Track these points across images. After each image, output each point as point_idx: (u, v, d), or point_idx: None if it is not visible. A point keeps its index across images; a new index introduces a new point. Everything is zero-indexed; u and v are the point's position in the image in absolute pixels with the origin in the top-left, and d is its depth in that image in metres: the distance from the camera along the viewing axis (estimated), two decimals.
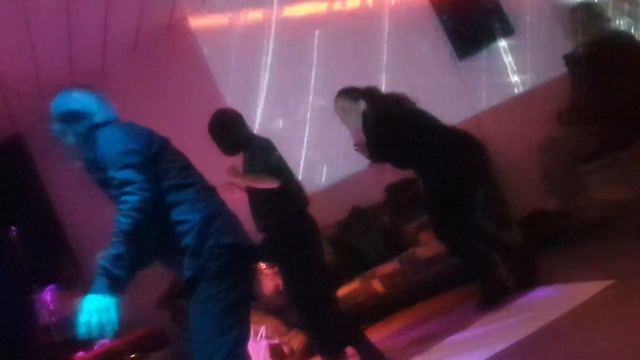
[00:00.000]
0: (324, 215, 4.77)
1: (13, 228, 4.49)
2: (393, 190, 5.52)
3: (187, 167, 2.39)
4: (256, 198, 3.78)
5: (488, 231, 3.79)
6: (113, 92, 2.78)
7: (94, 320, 2.03)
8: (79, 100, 2.49)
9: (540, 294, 3.45)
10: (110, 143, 2.29)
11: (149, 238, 2.20)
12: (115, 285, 2.08)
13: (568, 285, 3.37)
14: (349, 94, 3.97)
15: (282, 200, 3.72)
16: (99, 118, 2.42)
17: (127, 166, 2.19)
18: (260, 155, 3.73)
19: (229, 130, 3.77)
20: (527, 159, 4.90)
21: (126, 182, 2.15)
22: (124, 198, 2.13)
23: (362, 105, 3.90)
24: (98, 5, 4.80)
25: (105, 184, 2.27)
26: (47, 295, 4.69)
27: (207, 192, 2.38)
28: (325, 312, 3.74)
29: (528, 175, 4.90)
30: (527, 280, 3.60)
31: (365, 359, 3.54)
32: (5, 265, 4.59)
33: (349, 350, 3.83)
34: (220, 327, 2.15)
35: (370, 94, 3.96)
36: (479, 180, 3.86)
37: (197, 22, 5.88)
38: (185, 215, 2.24)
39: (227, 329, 2.16)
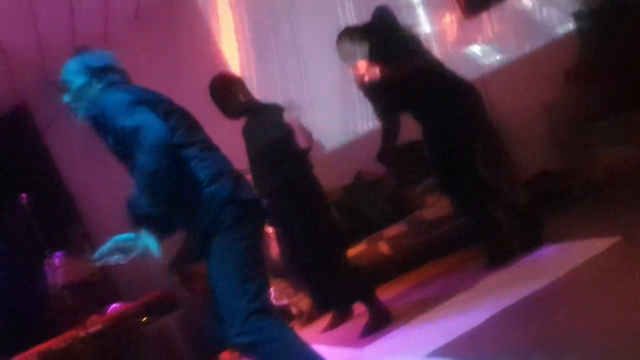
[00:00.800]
0: (330, 180, 4.79)
1: (23, 195, 4.53)
2: (398, 152, 5.52)
3: (192, 126, 2.41)
4: (259, 163, 3.80)
5: (493, 186, 3.76)
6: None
7: (111, 245, 2.25)
8: (97, 57, 2.53)
9: (547, 252, 3.47)
10: (116, 96, 2.31)
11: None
12: (141, 224, 2.22)
13: (574, 242, 3.39)
14: (350, 35, 3.87)
15: (287, 164, 3.73)
16: (115, 77, 2.45)
17: (136, 112, 2.21)
18: (265, 122, 3.74)
19: (229, 93, 3.77)
20: (534, 120, 4.89)
21: (138, 128, 2.17)
22: (140, 141, 2.15)
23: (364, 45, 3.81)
24: None
25: (117, 146, 2.30)
26: (57, 261, 4.75)
27: (214, 150, 2.40)
28: (337, 271, 3.78)
29: (535, 136, 4.89)
30: (533, 239, 3.62)
31: (374, 317, 3.59)
32: (17, 232, 4.65)
33: (357, 308, 3.89)
34: (242, 275, 2.20)
35: (370, 29, 3.85)
36: (477, 127, 3.77)
37: None
38: (194, 171, 2.27)
39: (248, 276, 2.21)
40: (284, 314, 4.93)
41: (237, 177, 2.39)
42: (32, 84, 5.68)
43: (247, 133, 3.86)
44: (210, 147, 2.40)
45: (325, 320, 4.17)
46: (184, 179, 2.26)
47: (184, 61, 5.77)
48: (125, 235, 2.28)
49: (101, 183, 5.17)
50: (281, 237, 4.15)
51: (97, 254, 2.32)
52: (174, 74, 5.65)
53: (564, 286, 2.83)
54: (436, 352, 2.65)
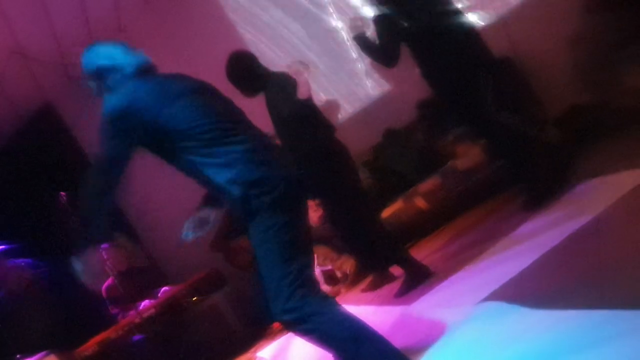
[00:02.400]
0: (359, 141, 4.80)
1: (62, 194, 4.63)
2: (424, 106, 5.49)
3: (204, 118, 2.33)
4: (283, 134, 3.82)
5: (514, 126, 3.71)
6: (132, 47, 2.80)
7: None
8: (104, 55, 2.50)
9: (584, 189, 3.44)
10: (106, 106, 2.34)
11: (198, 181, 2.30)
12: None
13: (611, 176, 3.34)
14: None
15: (309, 131, 3.75)
16: (128, 69, 2.44)
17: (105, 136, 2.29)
18: (282, 92, 3.74)
19: (245, 73, 3.78)
20: (558, 56, 4.79)
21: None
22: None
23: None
24: None
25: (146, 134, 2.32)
26: (104, 253, 4.87)
27: (229, 138, 2.33)
28: (368, 233, 3.82)
29: (561, 72, 4.80)
30: (567, 177, 3.59)
31: (412, 276, 3.62)
32: (60, 229, 4.77)
33: (396, 270, 3.93)
34: (281, 256, 2.21)
35: None
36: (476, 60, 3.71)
37: None
38: (210, 178, 2.28)
39: (289, 257, 2.21)
40: (330, 278, 5.01)
41: (275, 153, 2.38)
42: (55, 83, 5.75)
43: (269, 107, 3.87)
44: (224, 138, 2.32)
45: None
46: (216, 160, 2.27)
47: (199, 38, 5.78)
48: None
49: (136, 173, 5.26)
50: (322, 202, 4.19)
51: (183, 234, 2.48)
52: (191, 52, 5.68)
53: (604, 222, 2.81)
54: (485, 300, 2.67)
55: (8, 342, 4.84)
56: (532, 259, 2.79)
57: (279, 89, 3.76)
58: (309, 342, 2.31)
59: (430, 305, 3.12)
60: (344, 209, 3.82)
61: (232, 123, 2.38)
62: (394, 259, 3.78)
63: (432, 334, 2.70)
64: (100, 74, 2.47)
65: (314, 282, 2.31)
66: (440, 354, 2.49)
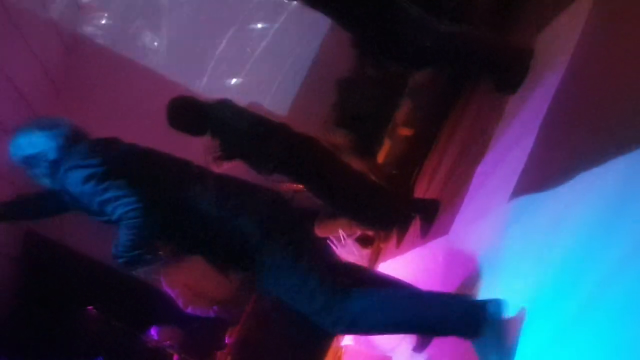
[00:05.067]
0: (318, 109, 4.74)
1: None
2: (359, 43, 5.39)
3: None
4: (248, 155, 3.81)
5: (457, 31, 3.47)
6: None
7: None
8: (27, 143, 2.44)
9: (542, 41, 3.31)
10: (76, 175, 2.31)
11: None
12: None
13: (560, 18, 3.22)
14: None
15: (270, 144, 3.73)
16: (52, 154, 2.39)
17: (105, 187, 2.25)
18: (226, 123, 3.72)
19: (189, 118, 3.73)
20: None
21: (113, 199, 2.24)
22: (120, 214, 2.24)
23: None
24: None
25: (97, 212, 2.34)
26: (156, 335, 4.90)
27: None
28: (370, 201, 3.85)
29: None
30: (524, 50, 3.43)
31: (425, 214, 3.64)
32: None
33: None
34: (298, 278, 2.23)
35: None
36: None
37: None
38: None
39: (306, 273, 2.22)
40: (364, 240, 4.99)
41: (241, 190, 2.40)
42: None
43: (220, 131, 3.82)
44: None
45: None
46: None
47: (125, 100, 5.69)
48: None
49: None
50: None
51: None
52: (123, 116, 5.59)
53: (580, 59, 2.73)
54: (515, 194, 2.62)
55: None
56: (533, 134, 2.70)
57: (221, 121, 3.72)
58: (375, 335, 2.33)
59: (466, 223, 3.09)
60: (340, 193, 3.83)
61: None
62: (402, 210, 3.83)
63: (482, 246, 2.69)
64: (29, 163, 2.44)
65: (343, 279, 2.27)
66: (502, 255, 2.47)
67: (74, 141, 2.42)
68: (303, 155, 3.74)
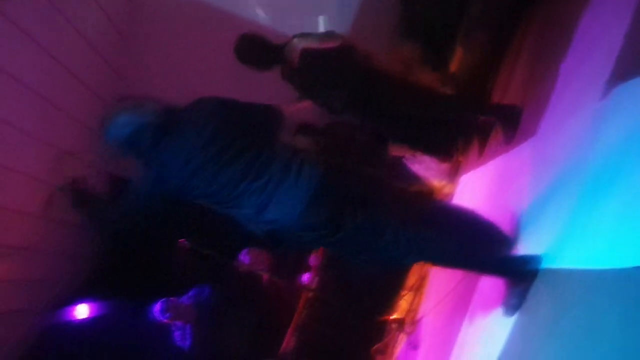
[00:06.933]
0: (381, 20, 4.55)
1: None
2: None
3: (213, 168, 2.49)
4: (321, 88, 3.77)
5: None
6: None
7: None
8: (124, 122, 2.49)
9: None
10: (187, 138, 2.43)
11: None
12: None
13: None
14: None
15: (345, 72, 3.70)
16: (153, 124, 2.47)
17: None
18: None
19: (257, 54, 3.80)
20: None
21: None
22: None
23: None
24: None
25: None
26: (245, 258, 5.06)
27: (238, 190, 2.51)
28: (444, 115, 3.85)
29: None
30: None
31: (507, 122, 3.49)
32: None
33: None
34: (365, 240, 2.38)
35: None
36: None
37: None
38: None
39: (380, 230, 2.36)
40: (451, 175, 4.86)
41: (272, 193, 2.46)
42: None
43: (289, 74, 3.84)
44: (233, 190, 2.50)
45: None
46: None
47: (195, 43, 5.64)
48: None
49: None
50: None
51: None
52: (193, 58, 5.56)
53: None
54: (608, 84, 2.43)
55: None
56: (627, 18, 2.46)
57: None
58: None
59: (555, 123, 2.93)
60: (415, 112, 3.80)
61: None
62: (482, 115, 3.73)
63: (574, 148, 2.53)
64: (131, 141, 2.47)
65: (405, 216, 2.38)
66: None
67: (166, 111, 2.48)
68: (374, 78, 3.70)
